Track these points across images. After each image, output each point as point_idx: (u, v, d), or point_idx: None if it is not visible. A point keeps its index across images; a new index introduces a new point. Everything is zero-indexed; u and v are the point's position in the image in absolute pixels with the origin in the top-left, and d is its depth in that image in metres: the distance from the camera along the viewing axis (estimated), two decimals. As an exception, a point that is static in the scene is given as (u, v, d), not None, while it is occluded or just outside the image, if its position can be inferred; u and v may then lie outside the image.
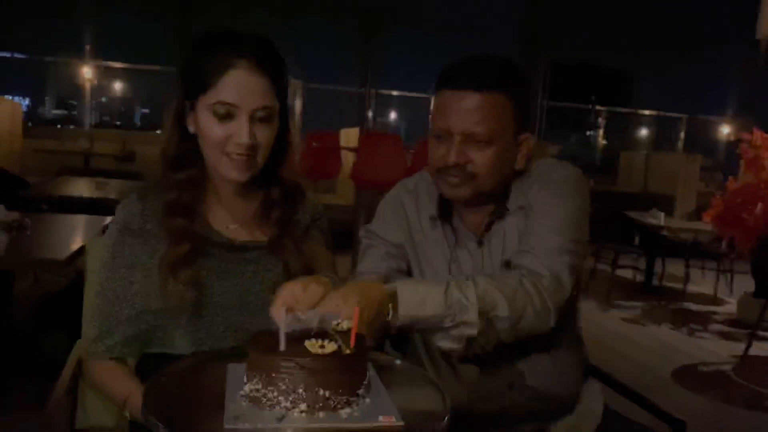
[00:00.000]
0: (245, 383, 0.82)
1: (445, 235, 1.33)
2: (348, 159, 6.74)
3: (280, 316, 0.84)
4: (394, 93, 12.03)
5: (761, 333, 3.99)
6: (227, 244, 1.20)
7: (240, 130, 1.10)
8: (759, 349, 4.00)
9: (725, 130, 12.40)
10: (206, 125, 1.12)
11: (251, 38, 1.14)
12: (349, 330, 0.85)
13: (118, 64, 10.87)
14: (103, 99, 12.63)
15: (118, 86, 12.84)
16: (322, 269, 1.25)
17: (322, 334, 0.85)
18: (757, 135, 4.07)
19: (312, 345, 0.81)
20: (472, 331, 1.06)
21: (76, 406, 1.44)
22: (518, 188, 1.29)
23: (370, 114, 10.78)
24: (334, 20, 10.98)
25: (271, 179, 1.23)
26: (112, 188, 4.17)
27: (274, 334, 0.83)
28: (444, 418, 0.80)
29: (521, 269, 1.17)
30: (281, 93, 1.16)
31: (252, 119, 1.11)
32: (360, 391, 0.82)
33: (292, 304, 0.89)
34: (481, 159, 1.21)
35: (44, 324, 2.87)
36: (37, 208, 3.70)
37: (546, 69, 10.48)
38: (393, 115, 13.45)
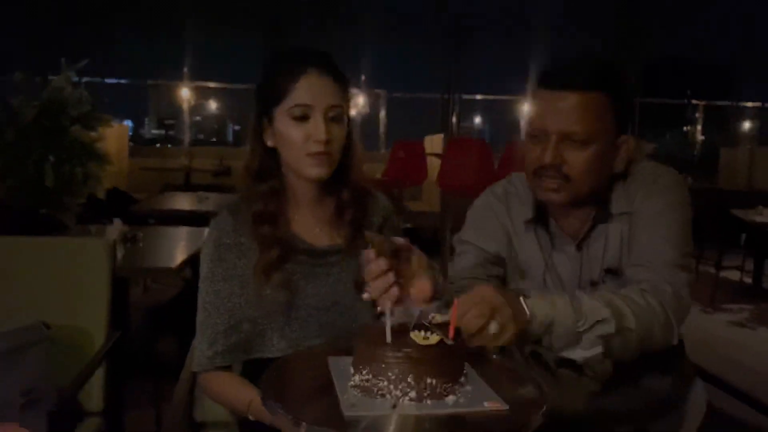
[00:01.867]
0: (353, 374, 0.87)
1: (539, 240, 1.31)
2: (433, 165, 6.78)
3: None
4: (478, 97, 11.95)
5: None
6: (311, 250, 1.30)
7: (317, 128, 1.22)
8: None
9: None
10: (285, 130, 1.24)
11: (314, 50, 1.28)
12: (444, 323, 0.90)
13: (212, 84, 11.45)
14: (198, 118, 13.28)
15: (212, 105, 13.50)
16: None
17: (420, 326, 0.90)
18: None
19: (417, 336, 0.86)
20: (610, 329, 1.02)
21: (194, 402, 1.56)
22: (621, 192, 1.25)
23: (454, 119, 10.76)
24: (414, 28, 11.07)
25: (341, 183, 1.32)
26: (211, 201, 4.42)
27: (377, 328, 0.89)
28: (543, 405, 0.83)
29: (641, 284, 1.13)
30: (346, 99, 1.28)
31: (325, 118, 1.23)
32: (461, 380, 0.86)
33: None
34: (577, 160, 1.18)
35: (157, 329, 3.08)
36: (145, 222, 3.99)
37: (638, 65, 10.10)
38: (477, 119, 13.37)
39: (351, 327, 1.25)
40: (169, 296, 3.63)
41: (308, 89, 1.22)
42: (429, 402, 0.81)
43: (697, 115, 12.28)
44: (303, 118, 1.22)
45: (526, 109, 10.76)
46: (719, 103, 12.80)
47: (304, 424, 0.76)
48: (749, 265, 5.49)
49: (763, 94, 12.47)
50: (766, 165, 8.41)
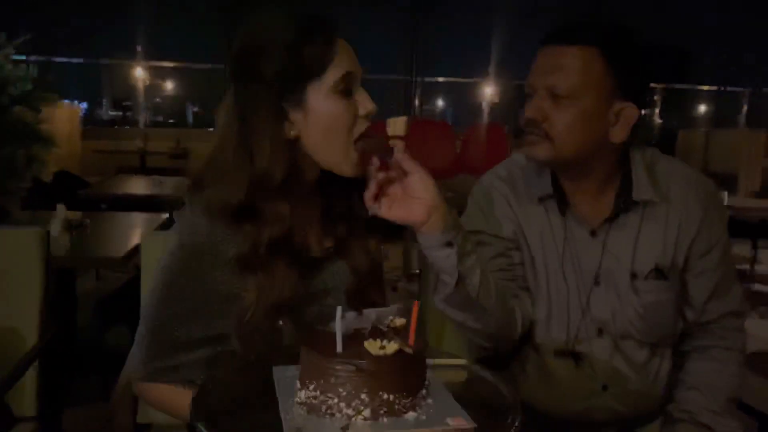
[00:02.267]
0: (299, 389, 0.77)
1: (552, 224, 1.20)
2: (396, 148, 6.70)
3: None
4: (440, 79, 11.87)
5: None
6: (309, 261, 1.07)
7: (365, 99, 1.01)
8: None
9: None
10: (329, 111, 0.99)
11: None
12: (402, 326, 0.81)
13: (168, 64, 11.10)
14: (157, 99, 12.94)
15: (169, 86, 13.11)
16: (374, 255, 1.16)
17: (376, 332, 0.80)
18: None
19: (371, 345, 0.75)
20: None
21: (138, 402, 1.45)
22: (642, 178, 1.17)
23: (416, 102, 10.68)
24: (376, 8, 10.91)
25: (330, 174, 1.06)
26: (167, 185, 4.26)
27: (326, 335, 0.78)
28: (515, 419, 0.75)
29: (728, 341, 1.27)
30: None
31: None
32: (422, 392, 0.77)
33: None
34: (558, 117, 1.10)
35: (107, 320, 2.94)
36: (97, 207, 3.81)
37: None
38: (440, 102, 13.32)
39: None
40: (121, 284, 3.48)
41: (350, 55, 1.00)
42: (385, 420, 0.72)
43: (655, 97, 12.45)
44: (348, 92, 1.00)
45: (488, 91, 10.76)
46: (676, 86, 12.99)
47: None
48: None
49: (720, 78, 12.72)
50: (721, 147, 8.58)
